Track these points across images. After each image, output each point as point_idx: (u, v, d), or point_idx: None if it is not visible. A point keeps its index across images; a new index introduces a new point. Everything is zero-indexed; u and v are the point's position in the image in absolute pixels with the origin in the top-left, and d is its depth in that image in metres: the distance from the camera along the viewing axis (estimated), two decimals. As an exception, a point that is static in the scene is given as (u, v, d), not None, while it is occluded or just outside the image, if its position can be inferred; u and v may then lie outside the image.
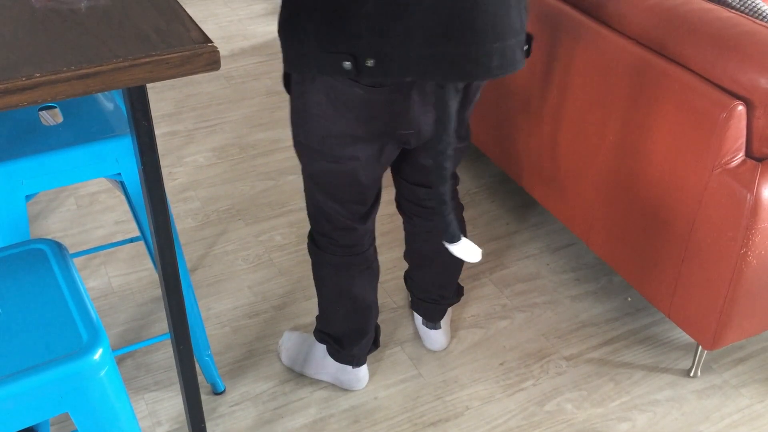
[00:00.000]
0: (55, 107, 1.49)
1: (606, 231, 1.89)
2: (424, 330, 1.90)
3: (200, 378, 1.81)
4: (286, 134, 2.75)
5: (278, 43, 3.41)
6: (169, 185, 2.49)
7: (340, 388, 1.81)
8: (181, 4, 3.36)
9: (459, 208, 1.74)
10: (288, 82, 1.41)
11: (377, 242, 2.26)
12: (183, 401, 1.45)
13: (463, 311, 2.03)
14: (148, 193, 1.16)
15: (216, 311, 2.01)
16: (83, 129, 1.41)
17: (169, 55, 0.96)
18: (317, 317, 1.77)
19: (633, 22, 1.70)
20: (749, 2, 1.63)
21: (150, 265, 2.15)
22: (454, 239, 1.42)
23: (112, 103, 1.52)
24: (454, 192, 1.70)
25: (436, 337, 1.89)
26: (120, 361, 1.87)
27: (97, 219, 2.33)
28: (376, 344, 1.79)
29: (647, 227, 1.76)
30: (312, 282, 2.11)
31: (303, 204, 2.40)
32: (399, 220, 2.35)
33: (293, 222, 2.33)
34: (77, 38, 0.98)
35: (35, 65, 0.91)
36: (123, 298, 2.05)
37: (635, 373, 1.87)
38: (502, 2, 1.22)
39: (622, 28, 1.73)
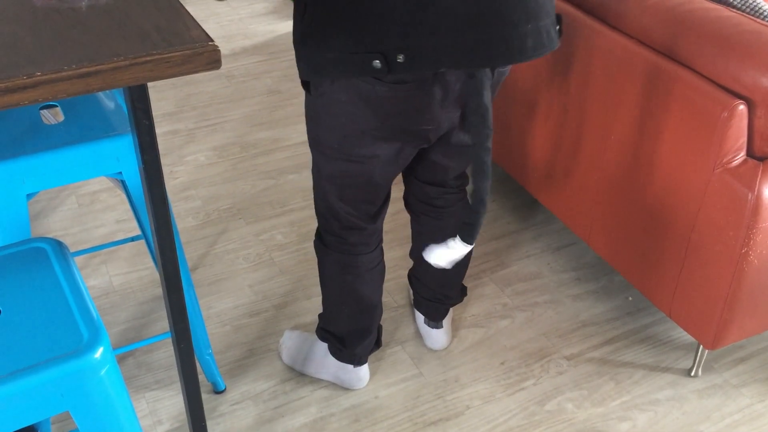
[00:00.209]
0: (56, 106, 1.49)
1: (607, 230, 1.89)
2: (425, 329, 1.90)
3: (201, 377, 1.81)
4: (286, 133, 2.75)
5: (279, 42, 3.41)
6: (170, 184, 2.49)
7: (340, 387, 1.81)
8: (182, 2, 3.35)
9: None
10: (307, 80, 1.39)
11: (378, 241, 2.26)
12: (183, 400, 1.45)
13: (464, 310, 2.03)
14: (149, 192, 1.16)
15: (217, 310, 2.02)
16: (84, 128, 1.41)
17: (170, 54, 0.96)
18: (320, 315, 1.77)
19: (634, 22, 1.69)
20: (750, 1, 1.62)
21: (151, 263, 2.16)
22: (471, 241, 1.36)
23: (113, 101, 1.52)
24: (463, 192, 1.70)
25: (437, 337, 1.89)
26: (121, 359, 1.87)
27: (98, 218, 2.33)
28: (378, 344, 1.79)
29: (648, 227, 1.76)
30: (313, 281, 2.11)
31: (304, 203, 2.40)
32: (400, 219, 2.35)
33: (294, 221, 2.33)
34: (78, 37, 0.98)
35: (36, 64, 0.91)
36: (124, 296, 2.05)
37: (636, 372, 1.87)
38: None
39: (623, 28, 1.73)
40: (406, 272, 2.14)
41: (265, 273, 2.14)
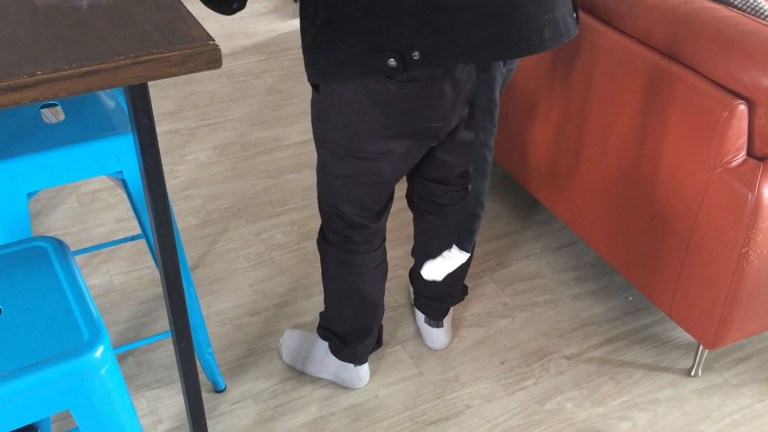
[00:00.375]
0: (57, 105, 1.49)
1: (607, 230, 1.89)
2: (426, 328, 1.90)
3: (201, 376, 1.81)
4: (287, 132, 2.75)
5: (279, 41, 3.41)
6: (171, 183, 2.49)
7: (340, 387, 1.81)
8: (183, 2, 3.35)
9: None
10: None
11: (378, 241, 2.26)
12: (184, 399, 1.45)
13: (464, 310, 2.03)
14: (150, 191, 1.16)
15: (217, 309, 2.02)
16: (85, 127, 1.41)
17: (171, 53, 0.96)
18: (321, 314, 1.77)
19: (635, 22, 1.69)
20: (751, 1, 1.62)
21: (151, 262, 2.16)
22: (467, 249, 1.34)
23: (113, 100, 1.52)
24: (466, 190, 1.70)
25: (437, 336, 1.89)
26: (121, 358, 1.87)
27: (98, 217, 2.33)
28: (379, 343, 1.79)
29: (648, 226, 1.76)
30: (313, 280, 2.11)
31: (304, 202, 2.40)
32: (400, 218, 2.35)
33: (294, 220, 2.33)
34: (79, 36, 0.98)
35: (37, 63, 0.91)
36: (124, 295, 2.05)
37: (636, 372, 1.87)
38: None
39: (623, 28, 1.73)
40: (407, 271, 2.14)
41: (265, 272, 2.14)
